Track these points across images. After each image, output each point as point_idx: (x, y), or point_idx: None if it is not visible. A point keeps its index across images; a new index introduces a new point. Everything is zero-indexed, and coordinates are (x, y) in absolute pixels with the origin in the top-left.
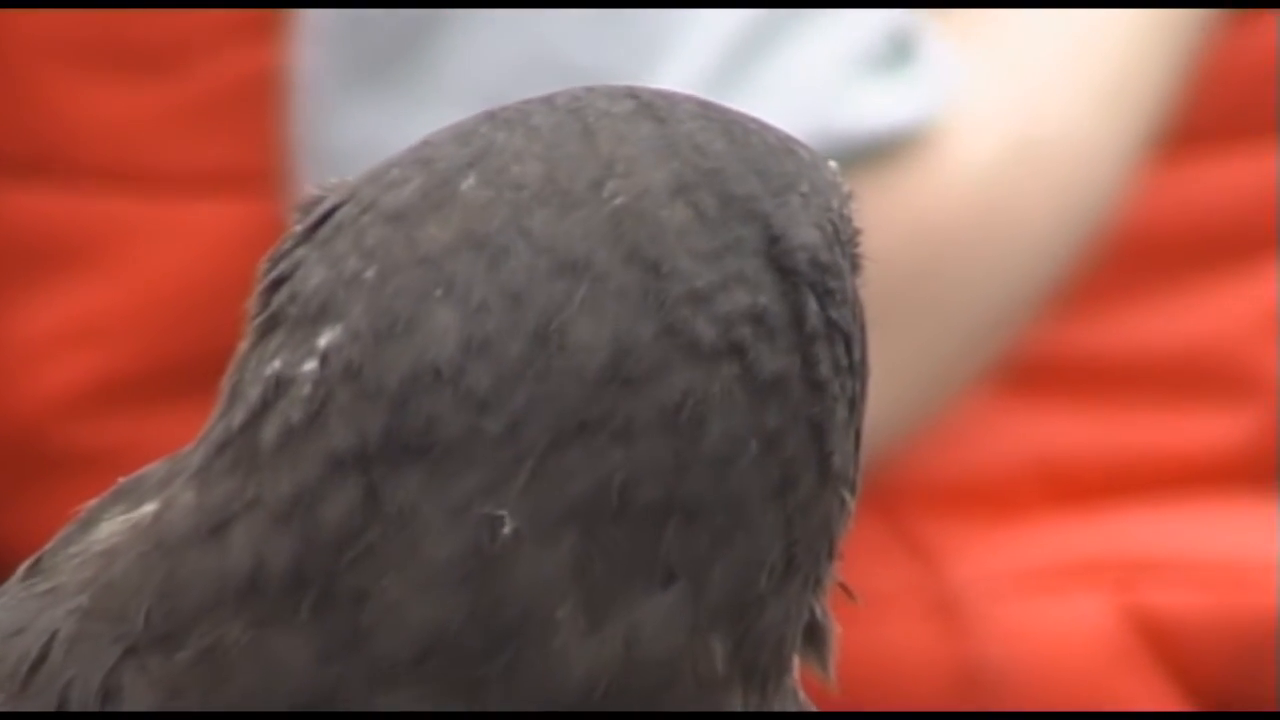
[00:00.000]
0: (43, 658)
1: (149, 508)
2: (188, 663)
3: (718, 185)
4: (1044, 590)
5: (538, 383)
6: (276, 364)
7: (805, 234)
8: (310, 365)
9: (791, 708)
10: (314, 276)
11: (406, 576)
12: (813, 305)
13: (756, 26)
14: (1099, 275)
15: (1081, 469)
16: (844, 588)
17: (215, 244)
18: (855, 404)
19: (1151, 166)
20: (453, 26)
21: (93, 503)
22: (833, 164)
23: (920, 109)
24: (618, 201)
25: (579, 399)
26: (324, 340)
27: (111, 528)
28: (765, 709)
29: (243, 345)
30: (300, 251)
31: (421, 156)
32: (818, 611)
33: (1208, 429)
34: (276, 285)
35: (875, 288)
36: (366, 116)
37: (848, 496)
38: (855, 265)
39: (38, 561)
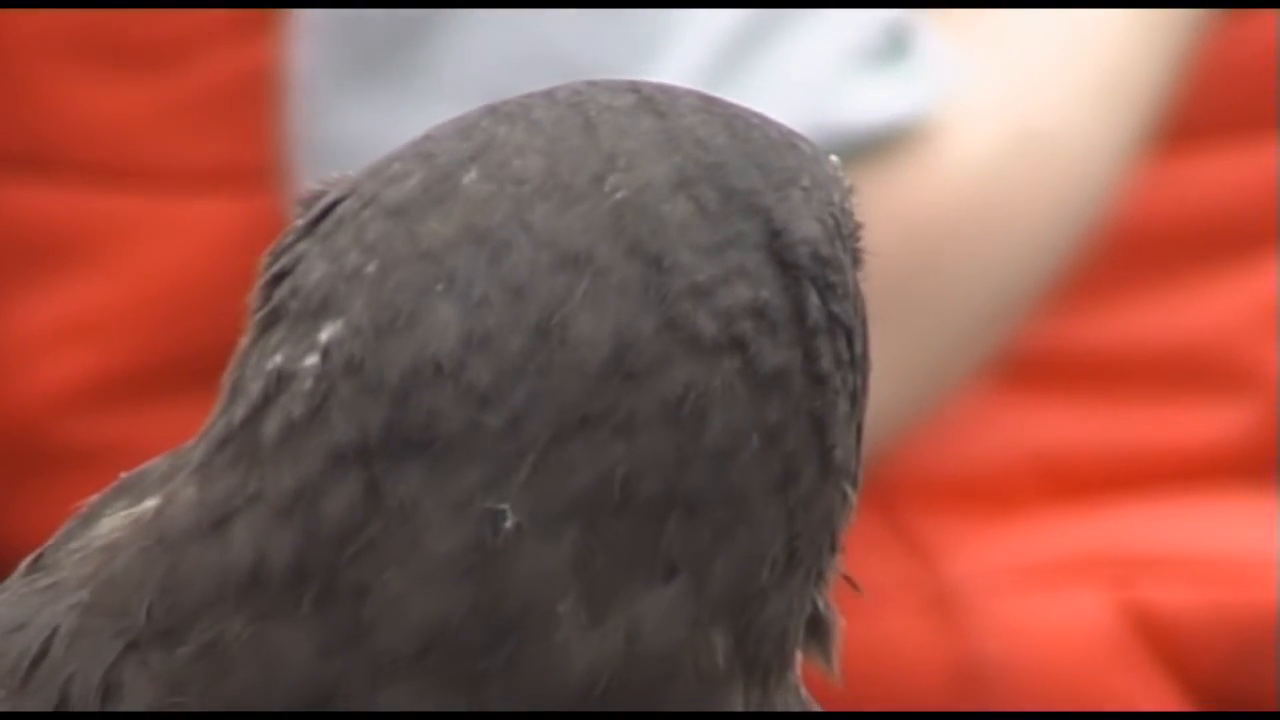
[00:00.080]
0: (43, 653)
1: (150, 503)
2: (189, 658)
3: (719, 179)
4: (1041, 586)
5: (539, 377)
6: (278, 359)
7: (807, 228)
8: (312, 360)
9: (793, 702)
10: (315, 271)
11: (408, 571)
12: (814, 299)
13: (753, 21)
14: (1096, 270)
15: (1079, 464)
16: (848, 580)
17: (212, 240)
18: (857, 398)
19: (1148, 161)
20: (448, 22)
21: (94, 498)
22: (834, 158)
23: (917, 104)
24: (619, 196)
25: (580, 393)
26: (325, 335)
27: (113, 523)
28: (767, 704)
29: (244, 340)
30: (301, 246)
31: (423, 151)
32: (820, 605)
33: (1205, 424)
34: (278, 280)
35: (872, 282)
36: (363, 112)
37: (849, 490)
38: (856, 259)
39: (39, 557)
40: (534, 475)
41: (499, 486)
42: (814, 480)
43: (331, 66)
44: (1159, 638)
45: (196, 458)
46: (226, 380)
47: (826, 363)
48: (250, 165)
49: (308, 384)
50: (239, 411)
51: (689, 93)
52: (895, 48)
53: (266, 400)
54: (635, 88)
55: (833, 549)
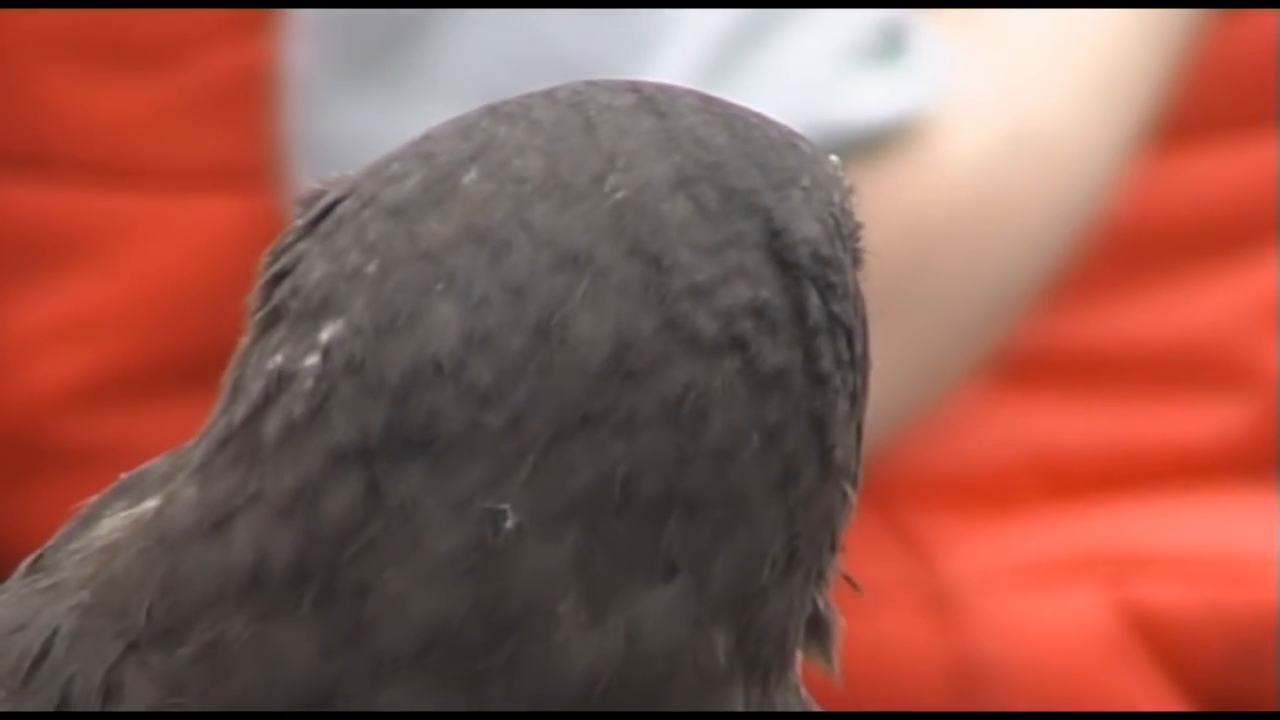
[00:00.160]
0: (44, 654)
1: (151, 503)
2: (189, 658)
3: (719, 179)
4: (1038, 585)
5: (539, 377)
6: (278, 358)
7: (807, 228)
8: (312, 360)
9: (793, 702)
10: (315, 271)
11: (409, 570)
12: (814, 299)
13: (749, 19)
14: (1093, 268)
15: (1076, 462)
16: (848, 580)
17: (210, 239)
18: (857, 398)
19: (1145, 158)
20: (444, 21)
21: (94, 499)
22: (834, 158)
23: (913, 101)
24: (619, 195)
25: (581, 393)
26: (326, 335)
27: (113, 523)
28: (766, 703)
29: (244, 340)
30: (302, 246)
31: (423, 150)
32: (821, 604)
33: (1202, 422)
34: (278, 279)
35: (868, 281)
36: (360, 111)
37: (849, 490)
38: (856, 259)
39: (39, 558)
40: (534, 475)
41: (499, 486)
42: (814, 480)
43: (328, 66)
44: (1156, 637)
45: (197, 458)
46: (227, 380)
47: (827, 363)
48: (247, 164)
49: (308, 384)
50: (239, 411)
51: (689, 92)
52: (891, 46)
53: (267, 400)
54: (635, 88)
55: (833, 548)
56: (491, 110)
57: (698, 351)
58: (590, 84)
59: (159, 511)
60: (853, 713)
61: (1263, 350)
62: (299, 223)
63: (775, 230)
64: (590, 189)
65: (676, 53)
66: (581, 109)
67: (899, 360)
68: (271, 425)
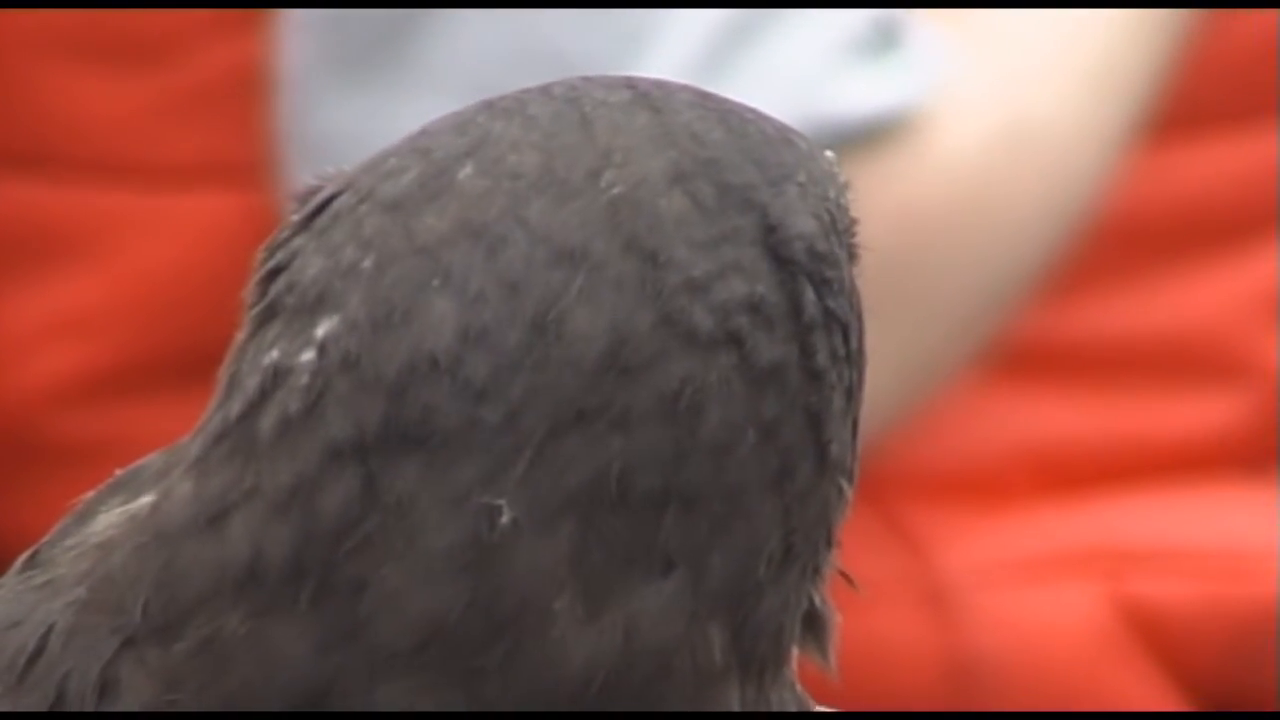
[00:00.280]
0: (40, 650)
1: (146, 499)
2: (186, 654)
3: (715, 174)
4: (1034, 580)
5: (535, 372)
6: (274, 354)
7: (802, 223)
8: (308, 355)
9: (789, 699)
10: (311, 266)
11: (405, 566)
12: (810, 294)
13: (743, 16)
14: (1088, 260)
15: (1072, 456)
16: (844, 575)
17: (204, 235)
18: (853, 393)
19: (1140, 151)
20: (437, 18)
21: (90, 495)
22: (829, 153)
23: (907, 95)
24: (615, 191)
25: (577, 388)
26: (322, 330)
27: (109, 519)
28: (762, 700)
29: (240, 335)
30: (297, 241)
31: (419, 146)
32: (817, 600)
33: (1200, 414)
34: (274, 275)
35: (863, 275)
36: (353, 107)
37: (845, 485)
38: (852, 255)
39: (35, 554)
40: (530, 470)
41: (495, 481)
42: (810, 475)
43: (323, 62)
44: (1154, 631)
45: (192, 453)
46: (222, 375)
47: (822, 358)
48: (241, 161)
49: (304, 379)
50: (235, 407)
51: (684, 88)
52: (885, 40)
53: (263, 395)
54: (631, 83)
55: (829, 544)
56: (487, 106)
57: (694, 347)
58: (586, 80)
59: (155, 507)
60: (849, 710)
61: (1260, 343)
62: (294, 218)
63: (771, 226)
64: (586, 185)
65: (671, 49)
66: (577, 105)
67: (895, 355)
68: (267, 421)
